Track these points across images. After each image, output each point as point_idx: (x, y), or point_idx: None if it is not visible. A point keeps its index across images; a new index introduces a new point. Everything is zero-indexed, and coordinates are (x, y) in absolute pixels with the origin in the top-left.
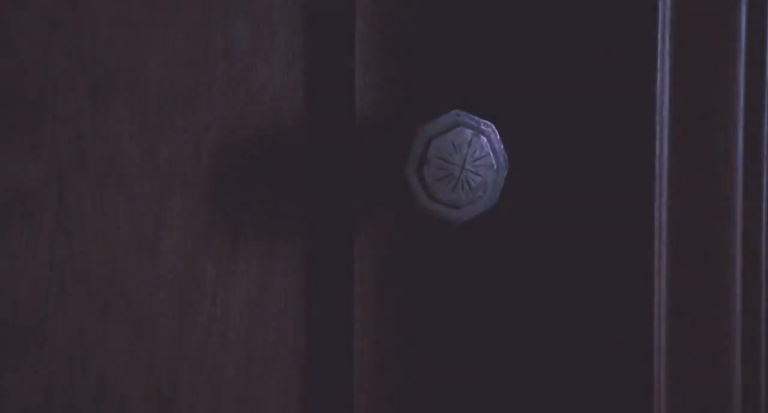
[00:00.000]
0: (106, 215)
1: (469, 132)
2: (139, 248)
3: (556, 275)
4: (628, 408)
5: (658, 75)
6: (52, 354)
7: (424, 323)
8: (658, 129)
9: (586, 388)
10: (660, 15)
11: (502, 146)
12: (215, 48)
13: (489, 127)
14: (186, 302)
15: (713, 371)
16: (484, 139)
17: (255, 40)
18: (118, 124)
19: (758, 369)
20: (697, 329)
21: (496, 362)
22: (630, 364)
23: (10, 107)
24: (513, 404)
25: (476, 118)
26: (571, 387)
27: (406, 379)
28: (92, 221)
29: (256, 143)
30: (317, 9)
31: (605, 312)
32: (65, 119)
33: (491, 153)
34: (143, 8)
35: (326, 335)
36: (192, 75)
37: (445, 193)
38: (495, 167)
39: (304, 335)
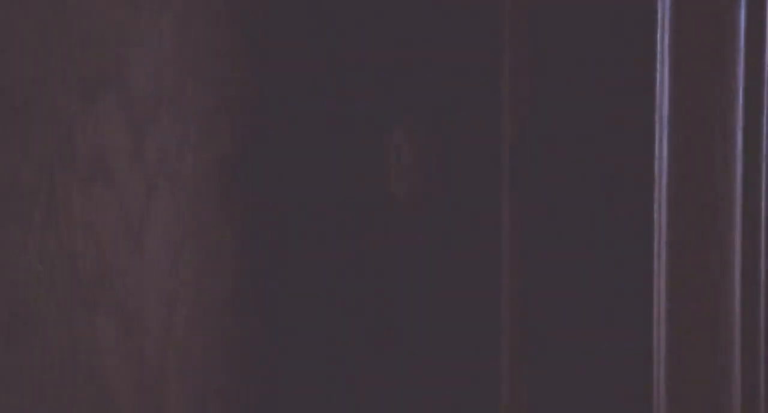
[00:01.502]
0: (94, 210)
1: None
2: (126, 243)
3: (556, 275)
4: (629, 408)
5: (658, 75)
6: (42, 347)
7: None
8: (657, 129)
9: (588, 388)
10: (660, 15)
11: None
12: (199, 46)
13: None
14: (172, 295)
15: (713, 371)
16: None
17: None
18: (107, 120)
19: (758, 369)
20: (697, 329)
21: (498, 359)
22: (630, 364)
23: (0, 104)
24: (514, 402)
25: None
26: (572, 386)
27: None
28: (81, 216)
29: None
30: None
31: (605, 312)
32: (55, 116)
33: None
34: (129, 7)
35: None
36: (177, 72)
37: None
38: None
39: None
